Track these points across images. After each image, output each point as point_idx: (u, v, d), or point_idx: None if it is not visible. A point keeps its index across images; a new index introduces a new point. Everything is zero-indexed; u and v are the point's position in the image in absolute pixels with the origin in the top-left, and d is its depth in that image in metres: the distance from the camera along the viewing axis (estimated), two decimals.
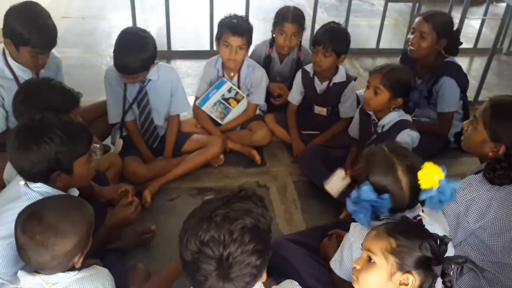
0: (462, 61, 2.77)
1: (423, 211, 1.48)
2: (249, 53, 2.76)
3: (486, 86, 3.34)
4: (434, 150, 2.60)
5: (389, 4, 4.00)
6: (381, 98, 2.14)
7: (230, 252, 1.01)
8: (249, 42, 2.59)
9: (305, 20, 2.81)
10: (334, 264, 1.60)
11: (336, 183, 2.21)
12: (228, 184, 2.50)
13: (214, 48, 3.36)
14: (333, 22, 2.59)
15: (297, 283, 1.28)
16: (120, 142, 2.47)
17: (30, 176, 1.48)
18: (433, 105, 2.68)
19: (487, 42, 4.19)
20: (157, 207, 2.29)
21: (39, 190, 1.47)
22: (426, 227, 1.34)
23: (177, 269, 1.52)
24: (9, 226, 1.34)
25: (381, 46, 4.13)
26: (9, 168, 1.66)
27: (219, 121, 2.75)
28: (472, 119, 1.76)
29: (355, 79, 2.73)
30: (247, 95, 2.75)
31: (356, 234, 1.50)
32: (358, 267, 1.30)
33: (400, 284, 1.22)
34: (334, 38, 2.48)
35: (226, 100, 2.71)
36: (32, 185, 1.48)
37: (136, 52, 2.17)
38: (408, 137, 2.16)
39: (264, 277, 1.12)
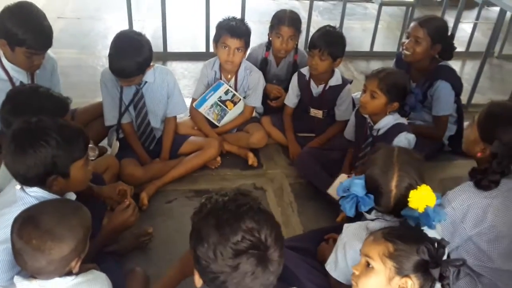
0: (454, 65, 2.79)
1: None
2: (246, 55, 2.77)
3: (478, 90, 3.39)
4: (428, 153, 2.62)
5: (382, 7, 4.03)
6: (377, 102, 2.16)
7: (266, 234, 1.01)
8: (247, 44, 2.60)
9: (301, 24, 2.82)
10: (329, 266, 1.60)
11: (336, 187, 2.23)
12: (225, 186, 2.50)
13: (210, 49, 3.39)
14: (329, 26, 2.60)
15: None
16: (116, 144, 2.47)
17: (26, 180, 1.46)
18: (428, 108, 2.71)
19: (479, 45, 4.26)
20: (154, 210, 2.29)
21: (35, 194, 1.46)
22: (424, 231, 1.36)
23: (177, 276, 1.50)
24: (5, 231, 1.33)
25: (375, 49, 4.17)
26: (1, 175, 1.64)
27: (216, 123, 2.76)
28: (472, 119, 1.79)
29: (350, 82, 2.75)
30: (244, 98, 2.76)
31: (349, 234, 1.51)
32: (357, 272, 1.30)
33: None
34: (330, 42, 2.50)
35: (223, 102, 2.72)
36: (28, 189, 1.46)
37: (132, 55, 2.17)
38: (405, 140, 2.18)
39: None
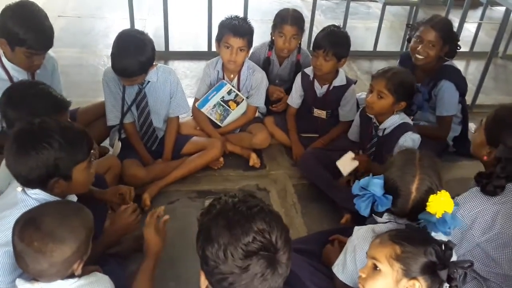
0: (459, 65, 2.77)
1: None
2: (249, 55, 2.75)
3: (483, 90, 3.37)
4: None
5: (386, 7, 4.01)
6: (384, 102, 2.14)
7: (276, 235, 1.01)
8: (250, 43, 2.58)
9: (304, 23, 2.80)
10: (336, 268, 1.59)
11: (347, 162, 2.27)
12: (228, 187, 2.49)
13: (213, 49, 3.37)
14: (334, 25, 2.57)
15: None
16: (118, 145, 2.44)
17: (27, 182, 1.44)
18: (432, 108, 2.68)
19: (483, 45, 4.24)
20: None
21: (37, 197, 1.44)
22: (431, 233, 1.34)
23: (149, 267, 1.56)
24: (6, 233, 1.32)
25: (378, 48, 4.15)
26: (1, 176, 1.63)
27: (218, 123, 2.74)
28: (480, 122, 1.77)
29: (355, 83, 2.72)
30: (247, 98, 2.74)
31: (359, 237, 1.50)
32: (364, 275, 1.30)
33: None
34: (335, 42, 2.47)
35: (226, 102, 2.70)
36: (30, 191, 1.44)
37: (134, 55, 2.15)
38: (410, 140, 2.17)
39: None
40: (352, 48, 2.61)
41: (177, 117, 2.57)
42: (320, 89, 2.68)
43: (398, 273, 1.23)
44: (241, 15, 2.87)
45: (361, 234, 1.49)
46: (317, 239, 1.99)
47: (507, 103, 1.80)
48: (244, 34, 2.50)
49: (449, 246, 1.24)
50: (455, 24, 2.82)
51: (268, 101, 2.86)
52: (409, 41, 2.68)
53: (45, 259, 1.22)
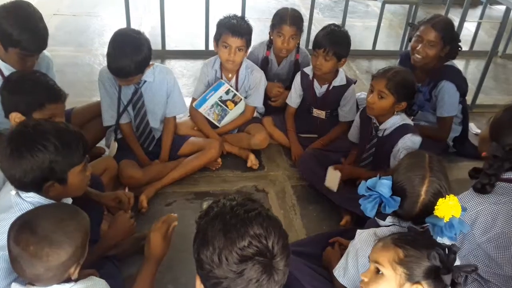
0: (458, 64, 2.76)
1: None
2: (247, 54, 2.71)
3: (483, 90, 3.36)
4: None
5: (385, 5, 3.98)
6: (385, 102, 2.12)
7: (273, 241, 0.99)
8: (248, 43, 2.55)
9: (303, 22, 2.77)
10: (337, 271, 1.57)
11: (332, 177, 2.29)
12: (226, 188, 2.46)
13: (210, 48, 3.34)
14: (334, 25, 2.54)
15: None
16: (114, 145, 2.41)
17: (21, 185, 1.42)
18: (432, 109, 2.66)
19: (483, 44, 4.23)
20: (154, 212, 2.24)
21: (31, 200, 1.42)
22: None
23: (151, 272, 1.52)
24: (1, 238, 1.30)
25: (377, 47, 4.12)
26: None
27: (216, 123, 2.70)
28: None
29: (355, 83, 2.70)
30: (245, 97, 2.70)
31: (362, 241, 1.47)
32: (366, 279, 1.28)
33: None
34: (335, 42, 2.44)
35: (224, 102, 2.67)
36: (24, 195, 1.42)
37: (131, 55, 2.11)
38: (409, 142, 2.15)
39: None
40: (350, 47, 2.58)
41: (174, 117, 2.54)
42: (319, 89, 2.65)
43: (401, 277, 1.20)
44: (239, 13, 2.84)
45: (363, 238, 1.46)
46: (317, 241, 1.98)
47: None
48: (242, 33, 2.47)
49: (452, 250, 1.22)
50: (455, 23, 2.78)
51: (267, 99, 2.82)
52: (410, 40, 2.66)
53: (41, 264, 1.20)
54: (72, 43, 3.81)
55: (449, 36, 2.52)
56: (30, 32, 1.96)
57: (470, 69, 4.04)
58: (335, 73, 2.60)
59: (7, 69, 2.07)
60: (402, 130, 2.17)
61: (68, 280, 1.27)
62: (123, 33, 2.22)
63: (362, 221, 2.00)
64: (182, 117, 2.74)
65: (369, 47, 4.11)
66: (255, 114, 2.80)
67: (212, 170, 2.56)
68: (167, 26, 3.70)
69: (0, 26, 1.94)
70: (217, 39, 2.54)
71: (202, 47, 3.78)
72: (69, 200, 1.55)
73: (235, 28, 2.46)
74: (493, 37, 3.26)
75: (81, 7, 4.51)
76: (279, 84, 2.83)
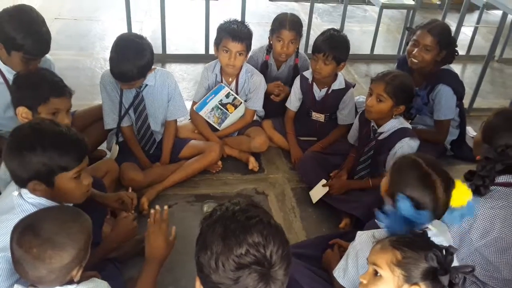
0: (455, 68, 2.79)
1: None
2: (247, 58, 2.74)
3: (480, 93, 3.39)
4: None
5: (383, 10, 4.02)
6: (384, 105, 2.14)
7: (272, 250, 0.97)
8: (248, 48, 2.57)
9: (302, 27, 2.80)
10: (337, 273, 1.58)
11: (318, 190, 2.35)
12: (227, 191, 2.48)
13: (210, 52, 3.36)
14: (333, 29, 2.57)
15: None
16: (116, 148, 2.43)
17: (17, 181, 1.44)
18: (430, 112, 2.69)
19: (479, 49, 4.26)
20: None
21: (33, 201, 1.43)
22: (432, 239, 1.33)
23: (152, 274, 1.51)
24: (4, 238, 1.30)
25: (375, 52, 4.16)
26: (4, 167, 1.61)
27: (216, 126, 2.73)
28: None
29: (353, 86, 2.72)
30: (245, 101, 2.73)
31: (362, 242, 1.48)
32: (364, 281, 1.28)
33: None
34: (335, 46, 2.47)
35: (224, 105, 2.69)
36: (26, 196, 1.43)
37: (133, 59, 2.14)
38: (406, 146, 2.17)
39: None
40: (349, 52, 2.61)
41: (175, 121, 2.56)
42: (319, 93, 2.68)
43: (399, 279, 1.21)
44: (239, 18, 2.86)
45: (363, 240, 1.48)
46: (317, 243, 1.99)
47: (507, 108, 1.82)
48: (243, 38, 2.49)
49: (450, 251, 1.23)
50: (452, 28, 2.82)
51: (267, 102, 2.82)
52: (408, 44, 2.69)
53: (44, 266, 1.20)
54: (74, 47, 3.83)
55: (445, 41, 2.55)
56: (34, 36, 1.98)
57: (467, 73, 4.08)
58: (334, 77, 2.63)
59: (9, 72, 2.10)
60: (400, 134, 2.19)
61: (70, 282, 1.28)
62: (125, 38, 2.24)
63: (361, 224, 2.02)
64: (183, 120, 2.76)
65: (367, 51, 4.15)
66: (255, 117, 2.82)
67: (212, 172, 2.58)
68: (168, 30, 3.72)
69: (3, 30, 1.97)
70: (217, 43, 2.57)
71: (203, 51, 3.80)
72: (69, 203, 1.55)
73: (235, 32, 2.49)
74: (490, 42, 3.29)
75: (82, 11, 4.53)
76: (278, 83, 2.84)
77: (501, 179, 1.64)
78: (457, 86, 2.66)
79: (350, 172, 2.44)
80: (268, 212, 1.09)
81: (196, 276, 1.07)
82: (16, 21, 1.98)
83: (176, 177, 2.43)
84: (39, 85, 1.78)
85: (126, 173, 2.29)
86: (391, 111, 2.16)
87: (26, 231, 1.22)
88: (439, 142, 2.72)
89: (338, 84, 2.64)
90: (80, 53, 3.76)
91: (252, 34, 2.60)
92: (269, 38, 2.82)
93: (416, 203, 1.40)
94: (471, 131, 3.05)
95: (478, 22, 4.39)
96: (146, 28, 4.16)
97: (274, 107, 2.85)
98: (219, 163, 2.60)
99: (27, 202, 1.43)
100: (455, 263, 1.25)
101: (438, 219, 1.44)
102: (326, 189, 2.33)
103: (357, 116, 2.49)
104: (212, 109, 2.69)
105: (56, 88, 1.80)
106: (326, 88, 2.65)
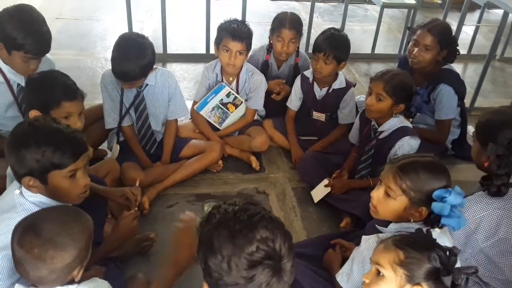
0: (457, 68, 2.78)
1: None
2: (247, 58, 2.73)
3: (481, 93, 3.39)
4: None
5: (384, 9, 4.01)
6: (383, 104, 2.14)
7: (280, 243, 0.99)
8: (248, 47, 2.57)
9: (302, 26, 2.80)
10: (341, 277, 1.57)
11: (319, 189, 2.36)
12: (227, 190, 2.48)
13: (211, 51, 3.36)
14: (334, 29, 2.57)
15: None
16: (117, 148, 2.43)
17: (15, 177, 1.45)
18: (431, 112, 2.69)
19: (481, 48, 4.25)
20: (156, 214, 2.26)
21: (34, 200, 1.43)
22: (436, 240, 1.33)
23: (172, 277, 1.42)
24: (5, 237, 1.30)
25: (376, 51, 4.15)
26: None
27: (217, 126, 2.73)
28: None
29: (354, 85, 2.72)
30: (246, 100, 2.73)
31: (370, 248, 1.45)
32: (367, 281, 1.28)
33: None
34: (335, 45, 2.47)
35: (225, 105, 2.69)
36: (27, 194, 1.43)
37: (135, 59, 2.14)
38: (407, 145, 2.17)
39: None
40: (350, 51, 2.60)
41: (176, 120, 2.56)
42: (319, 92, 2.67)
43: (401, 278, 1.21)
44: (239, 18, 2.86)
45: (371, 245, 1.46)
46: (317, 243, 1.98)
47: (502, 106, 1.83)
48: (243, 38, 2.49)
49: (453, 252, 1.22)
50: (453, 27, 2.81)
51: (268, 101, 2.81)
52: (409, 43, 2.68)
53: (45, 266, 1.20)
54: (74, 46, 3.83)
55: (446, 40, 2.55)
56: (34, 36, 1.99)
57: (468, 72, 4.07)
58: (335, 76, 2.62)
59: (10, 72, 2.11)
60: (400, 132, 2.19)
61: (71, 282, 1.28)
62: (127, 38, 2.24)
63: (362, 223, 2.02)
64: (184, 120, 2.76)
65: (368, 51, 4.14)
66: (256, 117, 2.82)
67: (213, 172, 2.58)
68: (168, 30, 3.72)
69: (4, 30, 1.97)
70: (217, 43, 2.57)
71: (203, 51, 3.80)
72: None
73: (235, 32, 2.49)
74: (491, 41, 3.28)
75: (83, 11, 4.53)
76: (278, 81, 2.84)
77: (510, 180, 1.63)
78: (459, 86, 2.66)
79: (351, 171, 2.43)
80: (265, 208, 1.10)
81: (201, 279, 1.06)
82: (16, 21, 1.98)
83: (177, 177, 2.43)
84: (51, 89, 1.77)
85: (127, 173, 2.29)
86: (391, 109, 2.16)
87: (27, 231, 1.22)
88: (440, 142, 2.72)
89: (338, 84, 2.63)
90: (81, 52, 3.76)
91: (252, 34, 2.60)
92: (269, 37, 2.82)
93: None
94: (472, 131, 3.04)
95: (479, 21, 4.39)
96: (147, 27, 4.16)
97: (275, 106, 2.85)
98: (220, 162, 2.60)
99: (28, 200, 1.43)
100: (458, 264, 1.25)
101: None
102: (328, 189, 2.33)
103: (358, 116, 2.49)
104: (213, 108, 2.69)
105: (69, 92, 1.80)
106: (327, 88, 2.64)
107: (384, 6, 3.94)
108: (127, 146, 2.44)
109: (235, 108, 2.71)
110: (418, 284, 1.20)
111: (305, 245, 1.99)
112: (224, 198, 2.34)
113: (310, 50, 2.68)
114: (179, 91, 2.51)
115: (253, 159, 2.65)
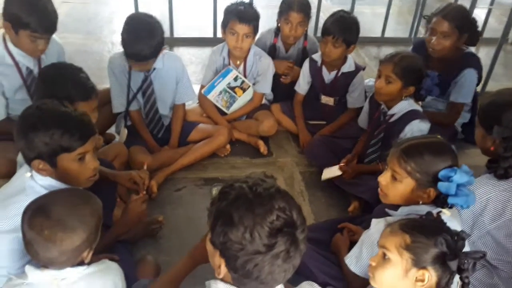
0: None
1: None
2: (255, 41, 2.70)
3: (493, 77, 3.33)
4: None
5: None
6: (392, 87, 2.11)
7: (296, 213, 1.04)
8: (255, 30, 2.54)
9: (311, 9, 2.75)
10: (349, 259, 1.58)
11: (332, 170, 2.35)
12: (235, 174, 2.48)
13: (218, 35, 3.33)
14: (343, 11, 2.53)
15: (316, 285, 1.25)
16: (124, 132, 2.44)
17: (25, 160, 1.46)
18: (445, 97, 2.64)
19: (493, 31, 4.16)
20: (164, 198, 2.27)
21: (44, 183, 1.44)
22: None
23: (186, 268, 1.43)
24: (15, 219, 1.32)
25: (386, 34, 4.09)
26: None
27: (224, 110, 2.72)
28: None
29: (363, 69, 2.69)
30: (253, 84, 2.71)
31: (379, 231, 1.43)
32: (373, 264, 1.29)
33: (416, 280, 1.21)
34: (344, 28, 2.43)
35: (232, 89, 2.68)
36: (37, 177, 1.45)
37: (146, 39, 2.13)
38: (416, 128, 2.14)
39: None
40: (359, 34, 2.56)
41: (183, 104, 2.56)
42: (328, 76, 2.64)
43: (407, 262, 1.21)
44: (246, 0, 2.82)
45: (380, 228, 1.45)
46: (325, 227, 1.99)
47: (504, 88, 1.81)
48: (250, 20, 2.47)
49: (461, 236, 1.22)
50: None
51: (276, 85, 2.79)
52: (425, 32, 2.62)
53: (55, 248, 1.22)
54: (81, 30, 3.81)
55: (463, 24, 2.47)
56: (39, 13, 2.00)
57: (480, 55, 3.91)
58: (344, 59, 2.59)
59: (19, 55, 2.12)
60: (410, 116, 2.16)
61: (81, 263, 1.30)
62: (136, 18, 2.24)
63: (370, 207, 2.01)
64: (191, 104, 2.76)
65: (378, 34, 4.07)
66: (264, 101, 2.80)
67: (221, 156, 2.58)
68: (175, 13, 3.68)
69: (9, 9, 2.00)
70: (224, 26, 2.54)
71: (210, 34, 3.76)
72: None
73: (242, 14, 2.46)
74: (503, 24, 3.21)
75: None
76: (287, 62, 2.80)
77: None
78: (480, 70, 2.63)
79: (360, 155, 2.42)
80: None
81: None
82: (21, 0, 2.00)
83: (185, 161, 2.44)
84: (65, 87, 1.72)
85: (135, 157, 2.30)
86: (400, 92, 2.13)
87: (38, 213, 1.24)
88: (448, 124, 2.67)
89: (347, 67, 2.60)
90: (88, 36, 3.75)
91: (259, 16, 2.56)
92: (277, 20, 2.78)
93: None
94: None
95: (491, 3, 4.29)
96: (154, 11, 4.08)
97: (282, 90, 2.82)
98: (228, 146, 2.60)
99: (38, 183, 1.44)
100: (467, 247, 1.25)
101: None
102: (340, 172, 2.31)
103: (368, 99, 2.46)
104: (220, 92, 2.67)
105: (83, 92, 1.77)
106: (336, 71, 2.61)
107: None
108: (135, 130, 2.45)
109: (243, 92, 2.70)
110: (424, 268, 1.20)
111: (313, 229, 1.98)
112: (234, 181, 2.33)
113: (319, 34, 2.64)
114: (186, 75, 2.50)
115: (260, 143, 2.64)
